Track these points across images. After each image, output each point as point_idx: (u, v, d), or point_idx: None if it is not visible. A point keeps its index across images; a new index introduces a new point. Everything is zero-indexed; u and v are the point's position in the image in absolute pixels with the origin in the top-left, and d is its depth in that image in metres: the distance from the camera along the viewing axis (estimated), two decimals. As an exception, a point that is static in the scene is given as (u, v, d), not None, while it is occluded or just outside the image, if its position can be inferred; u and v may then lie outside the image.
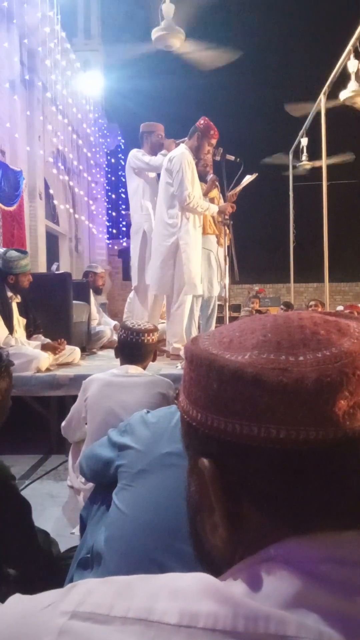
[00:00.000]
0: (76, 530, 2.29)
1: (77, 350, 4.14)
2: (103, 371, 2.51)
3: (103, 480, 1.49)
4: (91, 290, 5.73)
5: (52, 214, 10.31)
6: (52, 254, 10.25)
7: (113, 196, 14.27)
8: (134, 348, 2.38)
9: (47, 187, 9.72)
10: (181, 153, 4.07)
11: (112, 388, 2.28)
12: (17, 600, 0.44)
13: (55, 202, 10.51)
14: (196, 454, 0.46)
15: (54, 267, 7.18)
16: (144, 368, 2.45)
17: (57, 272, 5.58)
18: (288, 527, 0.42)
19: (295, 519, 0.42)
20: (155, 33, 5.89)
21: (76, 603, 0.40)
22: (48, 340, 3.94)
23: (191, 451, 0.48)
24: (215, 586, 0.40)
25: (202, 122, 4.20)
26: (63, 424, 2.56)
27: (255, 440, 0.41)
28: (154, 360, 2.53)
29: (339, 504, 0.41)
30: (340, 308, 9.01)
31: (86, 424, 2.38)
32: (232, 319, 3.79)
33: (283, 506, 0.42)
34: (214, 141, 4.24)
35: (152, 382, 2.29)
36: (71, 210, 11.19)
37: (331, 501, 0.41)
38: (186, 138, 4.30)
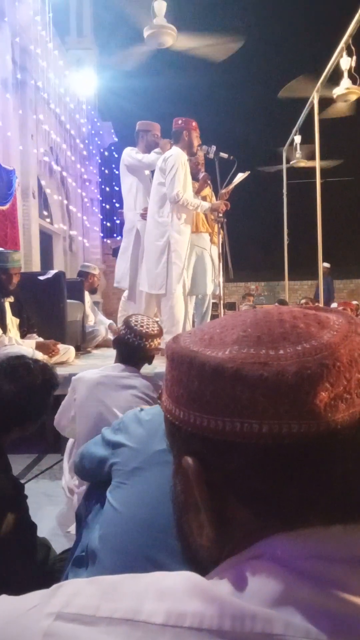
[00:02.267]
0: (72, 528, 2.28)
1: (72, 349, 4.13)
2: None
3: (97, 479, 1.49)
4: (87, 291, 5.72)
5: (45, 213, 10.27)
6: (46, 253, 10.22)
7: (107, 189, 14.21)
8: (133, 350, 2.26)
9: (40, 186, 9.68)
10: (176, 154, 4.08)
11: (101, 391, 2.18)
12: (2, 601, 0.43)
13: (50, 201, 10.47)
14: (180, 453, 0.46)
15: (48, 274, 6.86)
16: (138, 369, 2.37)
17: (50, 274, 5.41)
18: (274, 523, 0.42)
19: (281, 515, 0.41)
20: (147, 31, 5.87)
21: (62, 604, 0.40)
22: (42, 339, 3.93)
23: (175, 450, 0.48)
24: (202, 585, 0.39)
25: (179, 121, 4.22)
26: (55, 417, 2.51)
27: (238, 437, 0.41)
28: (149, 363, 2.43)
29: (324, 498, 0.41)
30: (334, 305, 9.04)
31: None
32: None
33: (268, 502, 0.41)
34: (198, 131, 4.26)
35: (146, 385, 2.21)
36: (67, 208, 11.15)
37: (316, 495, 0.41)
38: (173, 145, 4.28)
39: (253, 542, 0.42)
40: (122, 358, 2.33)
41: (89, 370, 2.36)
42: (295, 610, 0.36)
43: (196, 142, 4.25)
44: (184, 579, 0.41)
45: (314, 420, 0.39)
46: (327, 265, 10.99)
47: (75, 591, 0.41)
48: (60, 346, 3.94)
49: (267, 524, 0.42)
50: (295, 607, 0.36)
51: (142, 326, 2.26)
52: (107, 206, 14.29)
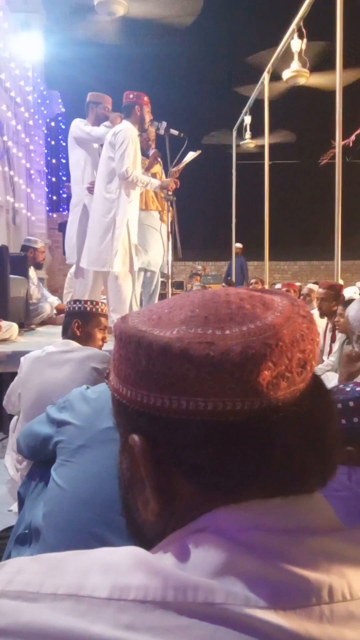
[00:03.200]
0: (14, 507, 2.26)
1: (15, 326, 4.03)
2: (42, 347, 2.45)
3: (41, 457, 1.47)
4: (32, 266, 5.56)
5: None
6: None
7: (54, 161, 13.74)
8: (76, 317, 2.38)
9: (-18, 155, 9.24)
10: (126, 128, 3.99)
11: (41, 365, 2.22)
12: None
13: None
14: (127, 431, 0.47)
15: None
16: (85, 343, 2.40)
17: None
18: (218, 497, 0.43)
19: (225, 490, 0.43)
20: (97, -2, 5.67)
21: (5, 582, 0.40)
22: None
23: (122, 429, 0.49)
24: (146, 559, 0.40)
25: (130, 95, 4.12)
26: (4, 398, 2.51)
27: (184, 414, 0.42)
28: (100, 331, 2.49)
29: (265, 471, 0.42)
30: (278, 286, 9.24)
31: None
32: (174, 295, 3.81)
33: (212, 477, 0.43)
34: (149, 106, 4.18)
35: (86, 357, 2.21)
36: (11, 180, 10.72)
37: (258, 469, 0.42)
38: (123, 119, 4.18)
39: (197, 516, 0.43)
40: (66, 330, 2.40)
41: (36, 350, 2.39)
42: (236, 580, 0.38)
43: (148, 117, 4.17)
44: (128, 553, 0.41)
45: (257, 398, 0.41)
46: (239, 245, 11.15)
47: (19, 569, 0.41)
48: (3, 323, 3.84)
49: (211, 497, 0.43)
50: (236, 577, 0.38)
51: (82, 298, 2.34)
52: (54, 179, 13.86)
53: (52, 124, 13.78)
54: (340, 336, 3.84)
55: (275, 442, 0.42)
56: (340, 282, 5.04)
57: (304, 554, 0.40)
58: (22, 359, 2.37)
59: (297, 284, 8.70)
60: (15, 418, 2.53)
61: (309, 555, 0.40)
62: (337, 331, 3.92)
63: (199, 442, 0.42)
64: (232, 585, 0.37)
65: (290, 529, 0.41)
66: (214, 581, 0.38)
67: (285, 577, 0.38)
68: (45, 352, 2.29)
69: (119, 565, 0.40)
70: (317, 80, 7.30)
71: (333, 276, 5.50)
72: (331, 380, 3.46)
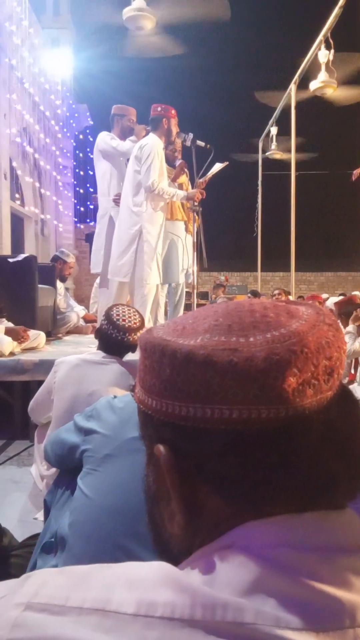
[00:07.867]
0: (39, 515, 2.27)
1: (42, 335, 4.07)
2: (69, 355, 2.42)
3: (68, 466, 1.48)
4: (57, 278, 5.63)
5: (17, 196, 10.05)
6: (17, 237, 10.02)
7: (82, 173, 13.98)
8: (116, 344, 2.21)
9: (12, 167, 9.46)
10: (152, 142, 4.03)
11: (82, 373, 2.17)
12: None
13: (22, 183, 10.25)
14: (152, 442, 0.46)
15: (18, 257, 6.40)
16: (121, 357, 2.31)
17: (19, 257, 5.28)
18: (245, 511, 0.42)
19: (252, 502, 0.42)
20: (126, 13, 5.77)
21: (31, 594, 0.39)
22: (12, 324, 3.87)
23: (147, 440, 0.48)
24: (174, 575, 0.40)
25: (158, 108, 4.15)
26: (31, 403, 2.48)
27: (209, 422, 0.41)
28: (133, 351, 2.34)
29: (293, 484, 0.41)
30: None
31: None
32: (199, 306, 3.79)
33: (239, 488, 0.42)
34: (177, 119, 4.21)
35: (126, 373, 2.17)
36: (40, 191, 10.93)
37: (285, 481, 0.41)
38: (150, 132, 4.22)
39: (224, 531, 0.42)
40: (104, 349, 2.28)
41: (71, 355, 2.34)
42: (265, 599, 0.37)
43: (174, 130, 4.21)
44: (155, 568, 0.41)
45: (282, 405, 0.40)
46: None
47: (45, 581, 0.41)
48: (31, 332, 3.89)
49: (238, 511, 0.42)
50: (266, 596, 0.37)
51: (123, 320, 2.18)
52: (81, 190, 14.09)
53: (81, 136, 14.04)
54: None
55: (301, 451, 0.41)
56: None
57: (336, 573, 0.39)
58: (56, 362, 2.31)
59: (324, 295, 8.60)
60: (38, 428, 2.54)
61: (340, 574, 0.39)
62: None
63: (223, 452, 0.41)
64: (262, 605, 0.36)
65: (321, 546, 0.40)
66: (243, 600, 0.37)
67: (317, 597, 0.37)
68: (85, 361, 2.22)
69: (146, 581, 0.39)
70: (345, 91, 7.26)
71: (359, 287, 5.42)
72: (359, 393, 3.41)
